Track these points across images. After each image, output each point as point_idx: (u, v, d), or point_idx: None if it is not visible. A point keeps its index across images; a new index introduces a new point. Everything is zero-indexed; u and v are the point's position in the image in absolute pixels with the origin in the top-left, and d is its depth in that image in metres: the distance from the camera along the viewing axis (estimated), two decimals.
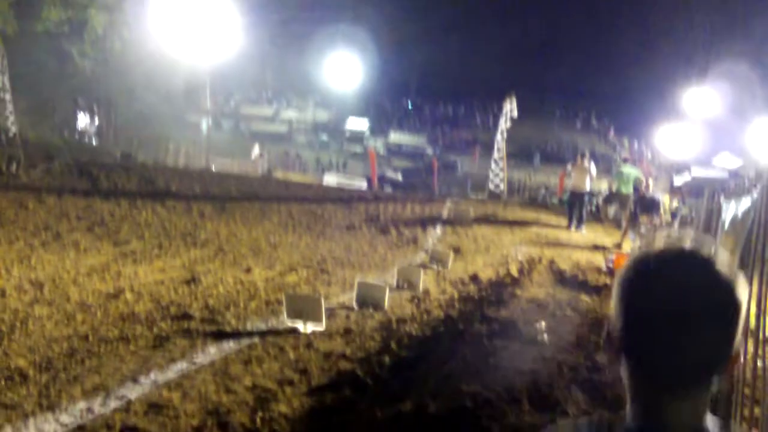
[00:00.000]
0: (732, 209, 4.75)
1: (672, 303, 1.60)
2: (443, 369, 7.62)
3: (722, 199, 5.28)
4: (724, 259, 1.66)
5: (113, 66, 42.66)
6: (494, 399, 6.32)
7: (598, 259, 19.11)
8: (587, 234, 23.65)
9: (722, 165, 57.05)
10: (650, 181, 24.11)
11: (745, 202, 4.41)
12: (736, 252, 4.42)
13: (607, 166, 52.18)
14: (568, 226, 24.42)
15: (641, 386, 1.70)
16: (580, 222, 24.20)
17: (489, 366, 7.54)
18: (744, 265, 4.22)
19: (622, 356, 1.73)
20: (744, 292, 1.66)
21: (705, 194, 6.33)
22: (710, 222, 5.68)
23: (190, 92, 50.17)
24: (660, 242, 1.71)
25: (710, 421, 1.70)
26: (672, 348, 1.62)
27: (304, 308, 10.58)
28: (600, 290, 14.99)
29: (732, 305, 1.63)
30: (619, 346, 1.73)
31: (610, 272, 17.41)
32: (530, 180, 56.67)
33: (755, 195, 4.18)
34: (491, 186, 28.69)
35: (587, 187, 24.27)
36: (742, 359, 1.47)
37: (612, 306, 1.75)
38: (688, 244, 1.68)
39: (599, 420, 1.81)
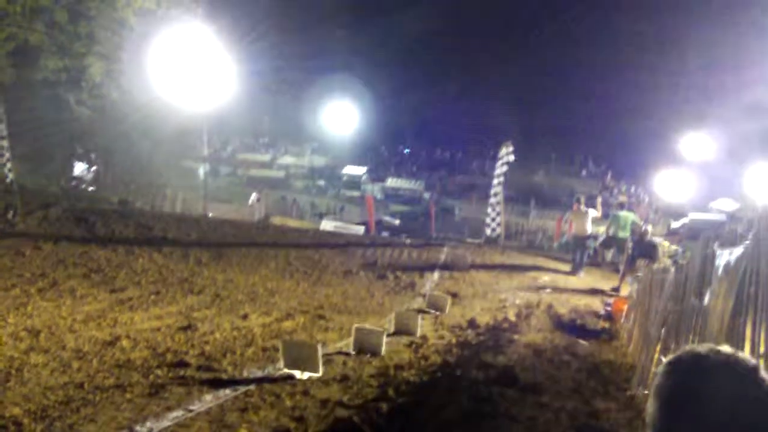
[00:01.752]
0: (725, 256, 4.77)
1: (721, 418, 1.53)
2: (440, 416, 7.57)
3: (716, 245, 5.29)
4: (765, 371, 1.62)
5: (110, 113, 42.74)
6: None
7: (596, 304, 19.11)
8: (585, 278, 23.64)
9: (720, 208, 57.11)
10: (648, 227, 24.10)
11: (738, 251, 4.43)
12: (729, 300, 4.42)
13: (604, 211, 52.37)
14: (573, 272, 24.42)
15: None
16: (579, 266, 24.20)
17: (485, 414, 7.50)
18: (737, 312, 4.22)
19: None
20: None
21: (700, 241, 6.32)
22: (704, 268, 5.67)
23: (187, 139, 50.20)
24: (704, 351, 1.64)
25: None
26: None
27: (300, 355, 10.55)
28: (598, 334, 14.99)
29: None
30: None
31: (608, 317, 17.41)
32: (527, 224, 56.66)
33: (747, 243, 4.19)
34: (488, 231, 28.72)
35: (588, 231, 24.31)
36: None
37: (649, 413, 1.67)
38: (733, 356, 1.62)
39: None
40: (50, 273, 17.27)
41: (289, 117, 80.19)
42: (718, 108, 59.54)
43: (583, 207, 24.69)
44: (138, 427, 7.74)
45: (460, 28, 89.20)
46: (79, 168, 44.94)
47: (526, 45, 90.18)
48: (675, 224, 56.73)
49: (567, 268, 25.12)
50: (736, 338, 4.19)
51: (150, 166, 48.50)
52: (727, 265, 4.67)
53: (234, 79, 38.90)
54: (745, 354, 1.65)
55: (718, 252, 5.11)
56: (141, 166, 47.41)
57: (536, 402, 8.21)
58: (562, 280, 22.88)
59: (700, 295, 5.70)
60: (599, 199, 26.39)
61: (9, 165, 27.42)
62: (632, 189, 78.69)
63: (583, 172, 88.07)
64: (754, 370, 1.59)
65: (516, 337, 13.00)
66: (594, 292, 21.31)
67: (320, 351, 10.70)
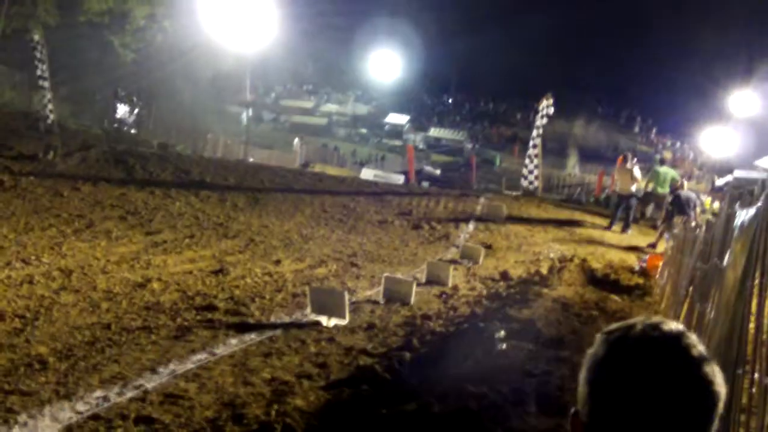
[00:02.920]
0: (741, 216, 4.69)
1: (648, 393, 1.49)
2: (457, 369, 7.57)
3: (737, 205, 5.20)
4: (701, 347, 1.58)
5: (154, 57, 42.87)
6: (500, 401, 6.25)
7: (632, 260, 18.97)
8: (630, 235, 23.40)
9: (765, 166, 56.45)
10: (684, 181, 23.74)
11: (752, 211, 4.35)
12: (742, 258, 4.35)
13: (646, 166, 51.82)
14: (609, 227, 24.20)
15: None
16: (626, 225, 23.91)
17: (500, 367, 7.48)
18: (748, 274, 4.15)
19: None
20: (722, 382, 1.56)
21: (726, 199, 6.25)
22: (728, 227, 5.59)
23: (230, 84, 50.25)
24: (637, 324, 1.60)
25: None
26: None
27: (328, 302, 10.59)
28: (631, 290, 14.88)
29: (713, 398, 1.53)
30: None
31: (643, 272, 17.28)
32: (567, 178, 56.28)
33: (759, 204, 4.11)
34: (525, 183, 28.55)
35: (633, 189, 23.95)
36: None
37: (579, 387, 1.63)
38: (669, 329, 1.58)
39: None
40: (87, 214, 17.44)
41: (333, 63, 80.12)
42: (766, 63, 58.51)
43: (629, 163, 24.37)
44: (161, 369, 7.80)
45: None
46: (122, 110, 45.17)
47: None
48: (719, 181, 56.07)
49: (604, 222, 24.93)
50: (744, 299, 4.13)
51: (192, 111, 48.70)
52: (741, 225, 4.60)
53: (277, 23, 38.78)
54: (673, 322, 1.60)
55: (737, 212, 5.04)
56: (183, 111, 47.63)
57: (555, 356, 8.17)
58: (599, 235, 22.72)
59: (721, 254, 5.63)
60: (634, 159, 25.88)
61: (50, 106, 27.59)
62: (677, 145, 77.93)
63: (635, 128, 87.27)
64: (678, 337, 1.55)
65: (546, 290, 12.92)
66: (630, 248, 21.14)
67: (347, 298, 10.73)
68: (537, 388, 6.77)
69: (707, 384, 1.52)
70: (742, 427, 3.91)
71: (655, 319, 1.60)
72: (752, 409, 3.71)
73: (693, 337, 1.58)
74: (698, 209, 22.59)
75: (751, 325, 3.99)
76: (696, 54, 73.15)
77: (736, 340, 4.04)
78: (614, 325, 1.64)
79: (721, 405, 1.54)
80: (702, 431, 1.53)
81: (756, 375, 3.60)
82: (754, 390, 3.65)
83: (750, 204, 4.60)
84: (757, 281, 3.88)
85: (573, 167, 60.85)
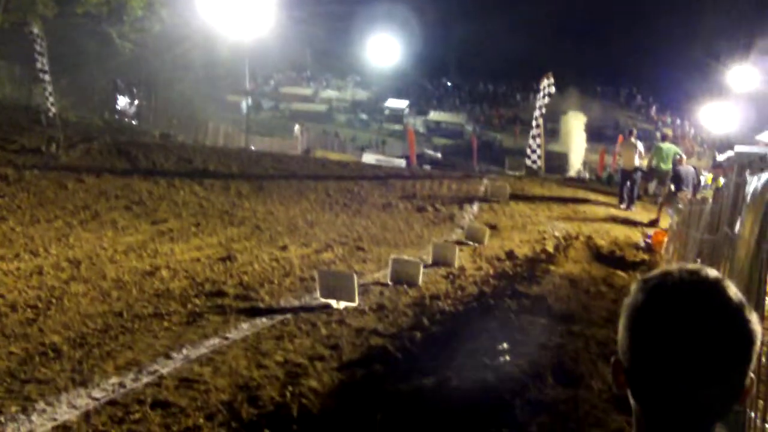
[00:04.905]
0: (753, 183, 4.70)
1: (688, 337, 1.52)
2: (472, 344, 7.61)
3: (747, 173, 5.21)
4: (738, 292, 1.60)
5: (153, 47, 42.86)
6: (517, 373, 6.30)
7: (636, 236, 18.99)
8: (635, 211, 23.43)
9: (766, 141, 56.39)
10: (684, 157, 23.69)
11: (765, 176, 4.36)
12: (756, 227, 4.37)
13: (648, 144, 51.89)
14: (619, 204, 24.26)
15: (648, 425, 1.62)
16: (631, 201, 23.94)
17: (516, 341, 7.52)
18: (762, 240, 4.18)
19: (628, 390, 1.64)
20: (758, 324, 1.58)
21: (734, 169, 6.24)
22: (737, 197, 5.61)
23: (229, 73, 50.22)
24: (674, 270, 1.62)
25: None
26: (686, 388, 1.53)
27: (337, 285, 10.63)
28: (636, 266, 14.90)
29: (750, 340, 1.56)
30: (626, 379, 1.64)
31: (648, 248, 17.31)
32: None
33: None
34: (528, 162, 28.52)
35: (636, 164, 23.95)
36: (754, 387, 1.43)
37: (619, 334, 1.65)
38: (705, 273, 1.60)
39: None
40: (92, 205, 17.46)
41: (331, 50, 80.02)
42: (765, 37, 58.36)
43: (632, 139, 24.38)
44: (174, 354, 7.86)
45: None
46: (122, 102, 45.18)
47: None
48: (720, 157, 56.07)
49: (607, 200, 24.97)
50: (759, 264, 4.15)
51: (192, 101, 48.69)
52: (754, 192, 4.61)
53: (274, 11, 38.78)
54: (709, 268, 1.63)
55: (748, 179, 5.05)
56: (183, 101, 47.62)
57: (567, 330, 8.21)
58: (603, 212, 22.74)
59: (731, 224, 5.65)
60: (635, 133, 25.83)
61: (51, 99, 27.55)
62: (677, 122, 77.87)
63: (626, 104, 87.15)
64: (715, 281, 1.58)
65: (553, 268, 12.96)
66: (635, 224, 21.16)
67: (356, 280, 10.77)
68: (552, 360, 6.81)
69: (744, 323, 1.55)
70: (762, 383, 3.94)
71: (691, 265, 1.63)
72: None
73: (728, 281, 1.60)
74: (700, 184, 22.62)
75: None
76: (696, 30, 73.04)
77: (753, 304, 4.06)
78: (651, 273, 1.67)
79: (758, 343, 1.57)
80: (741, 369, 1.56)
81: None
82: None
83: (762, 170, 4.62)
84: None
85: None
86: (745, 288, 4.27)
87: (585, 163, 53.42)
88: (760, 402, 3.95)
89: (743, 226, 4.89)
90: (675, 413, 1.57)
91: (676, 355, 1.52)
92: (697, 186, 22.92)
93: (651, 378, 1.57)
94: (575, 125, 57.91)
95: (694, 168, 23.94)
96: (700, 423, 1.58)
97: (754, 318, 1.58)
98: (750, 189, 4.80)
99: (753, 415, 3.97)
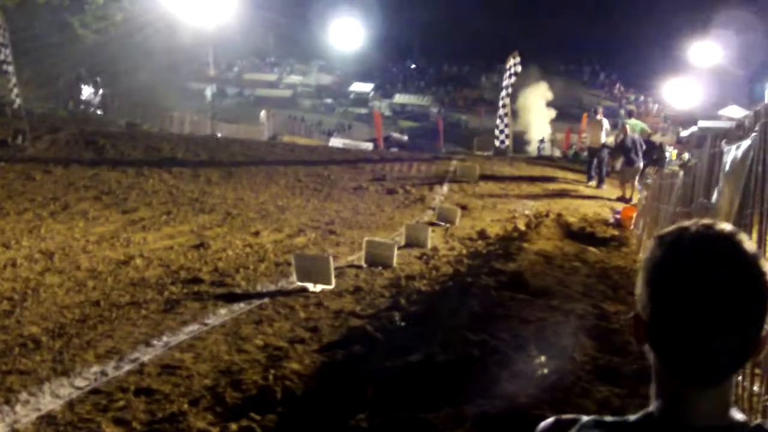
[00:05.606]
0: (732, 152, 4.78)
1: (706, 289, 1.55)
2: (452, 321, 7.67)
3: (723, 143, 5.29)
4: (753, 245, 1.63)
5: (115, 36, 42.56)
6: (501, 347, 6.37)
7: (605, 213, 19.16)
8: (604, 188, 23.63)
9: (729, 116, 56.86)
10: (649, 131, 23.92)
11: (745, 144, 4.43)
12: (736, 194, 4.44)
13: (613, 121, 52.10)
14: (587, 182, 24.43)
15: (668, 375, 1.66)
16: (600, 179, 24.10)
17: (496, 316, 7.59)
18: (745, 206, 4.25)
19: (648, 344, 1.68)
20: None
21: (708, 140, 6.32)
22: (713, 167, 5.68)
23: (193, 60, 49.97)
24: (691, 225, 1.66)
25: (736, 411, 1.66)
26: (704, 339, 1.57)
27: (313, 268, 10.66)
28: (607, 242, 15.05)
29: (764, 290, 1.59)
30: (646, 333, 1.67)
31: (618, 224, 17.49)
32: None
33: (755, 134, 4.19)
34: (497, 143, 28.59)
35: (602, 141, 24.10)
36: None
37: (638, 290, 1.69)
38: (721, 227, 1.65)
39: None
40: (62, 196, 17.36)
41: (294, 35, 79.68)
42: (725, 12, 58.76)
43: (598, 117, 24.54)
44: (155, 341, 7.87)
45: None
46: (86, 92, 44.82)
47: None
48: (684, 133, 56.48)
49: (576, 177, 25.15)
50: (742, 229, 4.22)
51: (156, 89, 48.39)
52: (734, 160, 4.68)
53: None
54: (724, 223, 1.67)
55: (726, 149, 5.12)
56: (147, 90, 47.31)
57: (546, 305, 8.28)
58: (572, 190, 22.90)
59: (708, 194, 5.73)
60: (600, 110, 25.99)
61: (16, 90, 27.28)
62: (641, 98, 78.23)
63: (590, 82, 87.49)
64: (731, 234, 1.63)
65: (526, 245, 13.04)
66: (603, 200, 21.35)
67: (332, 263, 10.80)
68: (535, 333, 6.88)
69: (760, 274, 1.59)
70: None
71: (706, 220, 1.67)
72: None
73: (744, 235, 1.65)
74: (665, 159, 22.82)
75: None
76: (656, 4, 73.35)
77: None
78: (667, 229, 1.71)
79: None
80: (757, 319, 1.60)
81: None
82: None
83: (740, 139, 4.69)
84: (756, 211, 3.97)
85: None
86: None
87: (552, 141, 53.53)
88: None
89: (722, 195, 4.96)
90: (694, 364, 1.60)
91: (694, 307, 1.56)
92: (660, 160, 23.13)
93: (670, 330, 1.61)
94: (534, 100, 57.81)
95: (661, 143, 24.15)
96: (718, 373, 1.62)
97: None
98: (728, 158, 4.87)
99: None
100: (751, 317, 1.59)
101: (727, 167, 4.89)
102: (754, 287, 1.58)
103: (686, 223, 1.67)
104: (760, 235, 3.99)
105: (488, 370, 5.77)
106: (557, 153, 46.00)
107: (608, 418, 1.72)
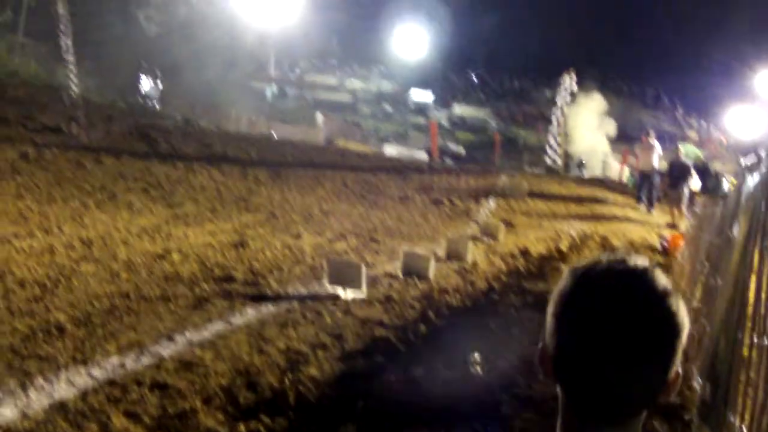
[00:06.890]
0: (749, 182, 4.70)
1: (612, 323, 1.53)
2: (470, 339, 7.62)
3: (746, 173, 5.22)
4: (666, 281, 1.60)
5: (178, 31, 42.97)
6: (507, 368, 6.31)
7: (653, 238, 18.93)
8: (655, 214, 23.38)
9: None
10: (704, 159, 23.68)
11: (756, 176, 4.35)
12: (747, 225, 4.36)
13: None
14: (638, 205, 24.21)
15: (572, 413, 1.63)
16: (650, 203, 23.85)
17: (512, 336, 7.53)
18: (752, 238, 4.16)
19: (553, 377, 1.65)
20: (685, 315, 1.60)
21: (740, 173, 6.25)
22: (739, 199, 5.61)
23: (255, 59, 50.27)
24: (603, 259, 1.63)
25: None
26: (605, 374, 1.54)
27: (345, 274, 10.64)
28: None
29: (675, 329, 1.57)
30: (551, 367, 1.64)
31: (665, 251, 17.24)
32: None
33: (764, 170, 4.11)
34: (548, 160, 28.45)
35: (655, 165, 23.84)
36: (680, 381, 1.42)
37: (547, 321, 1.66)
38: (633, 263, 1.61)
39: None
40: (109, 186, 17.51)
41: (358, 39, 79.90)
42: None
43: (651, 140, 24.27)
44: (177, 337, 7.89)
45: None
46: (146, 85, 45.30)
47: None
48: (744, 161, 55.70)
49: (625, 200, 24.92)
50: (747, 264, 4.13)
51: (216, 86, 48.72)
52: (747, 192, 4.61)
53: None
54: (639, 257, 1.63)
55: (746, 180, 5.04)
56: (207, 86, 47.64)
57: None
58: (621, 213, 22.69)
59: (732, 226, 5.64)
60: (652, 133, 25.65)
61: (74, 79, 27.69)
62: (703, 125, 77.44)
63: (652, 105, 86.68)
64: (642, 271, 1.59)
65: (564, 266, 12.91)
66: (653, 226, 21.12)
67: (364, 270, 10.77)
68: None
69: (670, 315, 1.56)
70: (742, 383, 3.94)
71: (622, 255, 1.64)
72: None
73: (658, 272, 1.61)
74: (720, 186, 22.54)
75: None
76: (724, 32, 72.55)
77: (738, 303, 4.05)
78: (581, 262, 1.67)
79: (684, 337, 1.58)
80: (665, 361, 1.57)
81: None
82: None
83: (757, 169, 4.61)
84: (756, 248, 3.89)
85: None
86: (733, 286, 4.25)
87: (604, 163, 52.90)
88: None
89: (739, 228, 4.88)
90: (595, 399, 1.58)
91: (596, 340, 1.54)
92: (716, 189, 22.85)
93: (573, 364, 1.58)
94: (583, 113, 57.03)
95: (700, 166, 23.83)
96: (620, 411, 1.60)
97: (681, 311, 1.59)
98: (745, 189, 4.80)
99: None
100: (655, 355, 1.56)
101: (743, 199, 4.81)
102: (659, 324, 1.56)
103: (602, 256, 1.64)
104: (759, 271, 3.89)
105: (490, 390, 5.72)
106: (611, 174, 45.53)
107: None
